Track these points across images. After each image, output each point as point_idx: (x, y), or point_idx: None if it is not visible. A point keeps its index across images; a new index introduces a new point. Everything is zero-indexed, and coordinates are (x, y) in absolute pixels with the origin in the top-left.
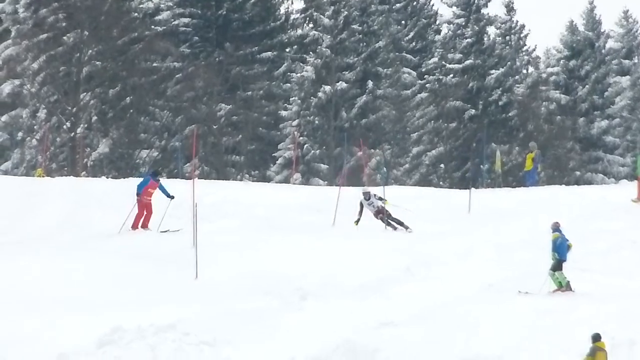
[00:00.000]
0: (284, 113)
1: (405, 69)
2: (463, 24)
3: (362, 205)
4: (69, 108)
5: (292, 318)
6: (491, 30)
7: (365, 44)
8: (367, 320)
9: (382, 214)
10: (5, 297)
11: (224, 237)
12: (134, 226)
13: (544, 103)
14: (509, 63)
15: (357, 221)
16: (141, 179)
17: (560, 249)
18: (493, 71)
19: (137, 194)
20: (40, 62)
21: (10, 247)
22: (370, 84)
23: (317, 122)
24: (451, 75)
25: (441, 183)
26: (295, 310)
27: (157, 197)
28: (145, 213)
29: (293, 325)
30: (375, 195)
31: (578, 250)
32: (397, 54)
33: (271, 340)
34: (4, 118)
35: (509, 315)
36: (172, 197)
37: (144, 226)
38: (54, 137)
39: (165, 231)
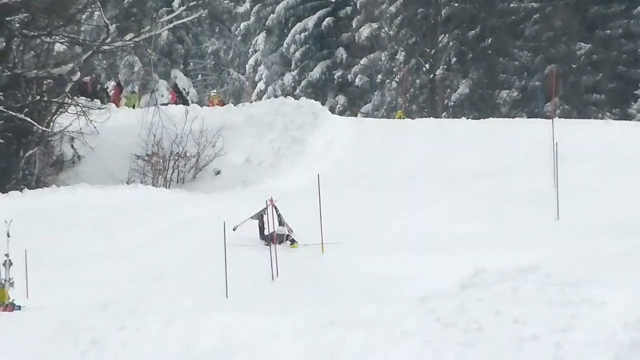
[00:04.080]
0: None
1: None
2: None
3: None
4: (428, 50)
5: None
6: None
7: None
8: None
9: None
10: (369, 238)
11: (584, 178)
12: None
13: None
14: None
15: None
16: None
17: None
18: None
19: None
20: (397, 5)
21: (373, 189)
22: None
23: None
24: None
25: None
26: None
27: None
28: None
29: None
30: None
31: None
32: None
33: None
34: (363, 61)
35: None
36: None
37: None
38: (413, 79)
39: None
